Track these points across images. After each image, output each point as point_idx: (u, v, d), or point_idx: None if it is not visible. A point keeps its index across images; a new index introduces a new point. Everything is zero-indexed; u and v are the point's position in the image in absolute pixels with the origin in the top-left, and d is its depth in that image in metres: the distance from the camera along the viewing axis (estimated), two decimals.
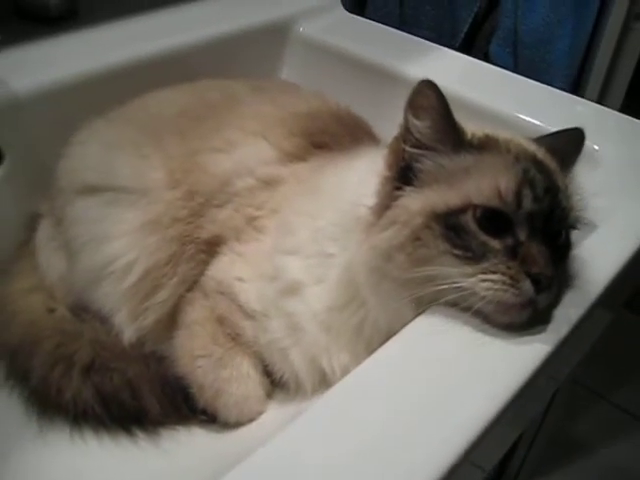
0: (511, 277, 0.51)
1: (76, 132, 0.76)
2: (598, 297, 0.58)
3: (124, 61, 0.86)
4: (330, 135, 0.75)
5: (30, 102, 0.78)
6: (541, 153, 0.58)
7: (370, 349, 0.56)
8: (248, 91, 0.81)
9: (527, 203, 0.53)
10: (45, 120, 0.80)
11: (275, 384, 0.68)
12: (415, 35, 1.03)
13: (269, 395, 0.68)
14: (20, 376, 0.69)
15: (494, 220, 0.53)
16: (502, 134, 0.58)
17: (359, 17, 1.10)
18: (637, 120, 0.86)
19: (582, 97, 0.97)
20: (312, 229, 0.65)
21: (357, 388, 0.50)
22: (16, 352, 0.70)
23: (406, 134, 0.56)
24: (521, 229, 0.53)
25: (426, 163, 0.56)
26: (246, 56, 0.99)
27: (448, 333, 0.53)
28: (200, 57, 0.93)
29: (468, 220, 0.53)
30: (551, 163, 0.58)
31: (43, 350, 0.69)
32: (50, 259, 0.76)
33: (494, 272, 0.52)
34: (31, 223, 0.80)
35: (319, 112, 0.79)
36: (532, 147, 0.59)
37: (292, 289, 0.64)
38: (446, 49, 1.00)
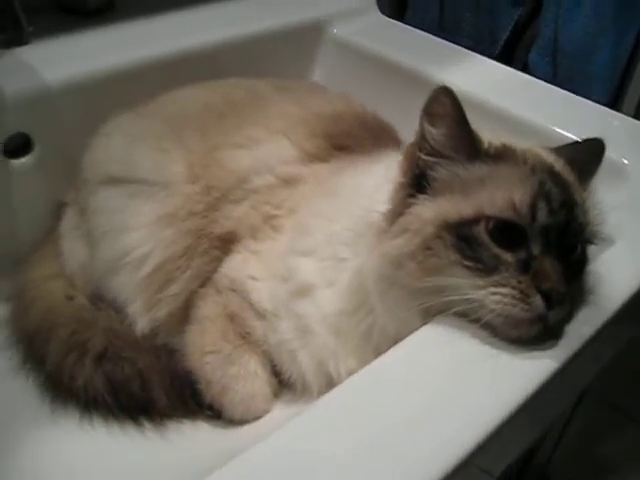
0: (521, 292, 0.50)
1: (103, 124, 0.77)
2: (614, 313, 0.57)
3: (156, 56, 0.87)
4: (353, 138, 0.75)
5: (62, 93, 0.80)
6: (559, 165, 0.57)
7: (377, 356, 0.55)
8: (273, 90, 0.81)
9: (542, 216, 0.51)
10: (76, 111, 0.81)
11: (283, 384, 0.68)
12: (453, 42, 1.02)
13: (276, 394, 0.68)
14: (36, 361, 0.71)
15: (507, 232, 0.52)
16: (520, 144, 0.57)
17: (394, 21, 1.09)
18: None
19: (620, 110, 0.95)
20: (328, 232, 0.64)
21: (359, 389, 0.50)
22: (33, 337, 0.72)
23: (421, 141, 0.55)
24: (535, 243, 0.52)
25: (440, 171, 0.55)
26: (279, 55, 0.99)
27: (455, 342, 0.52)
28: (232, 55, 0.93)
29: (480, 231, 0.52)
30: (569, 175, 0.57)
31: (58, 337, 0.70)
32: (72, 247, 0.78)
33: (504, 285, 0.51)
34: (57, 211, 0.82)
35: (343, 114, 0.78)
36: (550, 158, 0.57)
37: (304, 291, 0.64)
38: (482, 57, 0.99)
